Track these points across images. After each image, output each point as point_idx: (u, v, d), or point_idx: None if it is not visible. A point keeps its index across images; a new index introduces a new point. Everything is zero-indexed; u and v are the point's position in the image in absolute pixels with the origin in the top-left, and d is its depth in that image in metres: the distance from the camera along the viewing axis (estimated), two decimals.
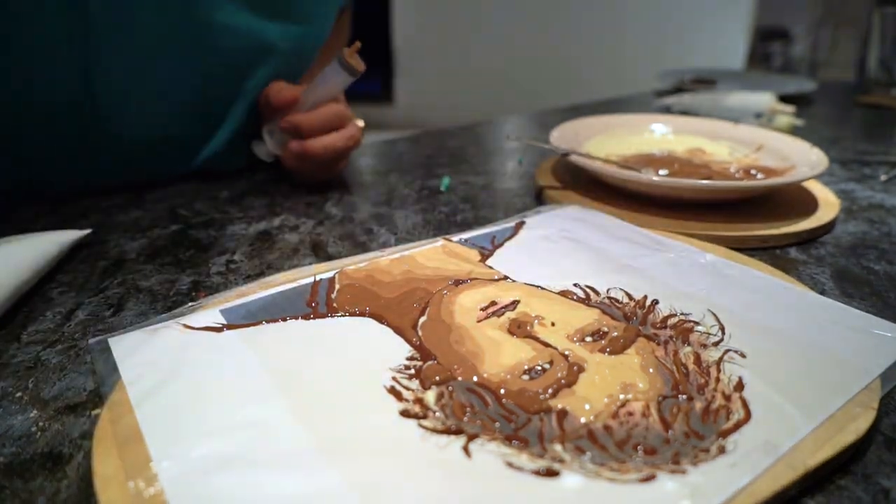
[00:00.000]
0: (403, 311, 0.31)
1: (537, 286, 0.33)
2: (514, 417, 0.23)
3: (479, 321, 0.29)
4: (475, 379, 0.25)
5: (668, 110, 0.83)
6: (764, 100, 0.80)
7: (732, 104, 0.80)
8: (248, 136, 0.55)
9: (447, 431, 0.22)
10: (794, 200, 0.47)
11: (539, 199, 0.50)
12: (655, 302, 0.31)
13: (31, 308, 0.34)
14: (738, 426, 0.22)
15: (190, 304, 0.32)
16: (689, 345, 0.28)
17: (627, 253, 0.37)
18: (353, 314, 0.30)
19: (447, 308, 0.31)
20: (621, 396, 0.24)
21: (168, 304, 0.34)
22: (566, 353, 0.27)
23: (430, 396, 0.24)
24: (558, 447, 0.21)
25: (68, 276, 0.38)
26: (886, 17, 0.99)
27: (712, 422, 0.23)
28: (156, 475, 0.20)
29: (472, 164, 0.61)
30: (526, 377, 0.25)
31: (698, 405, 0.24)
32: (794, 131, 0.74)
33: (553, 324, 0.29)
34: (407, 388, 0.25)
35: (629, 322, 0.29)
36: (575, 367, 0.26)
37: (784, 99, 0.87)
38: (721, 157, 0.55)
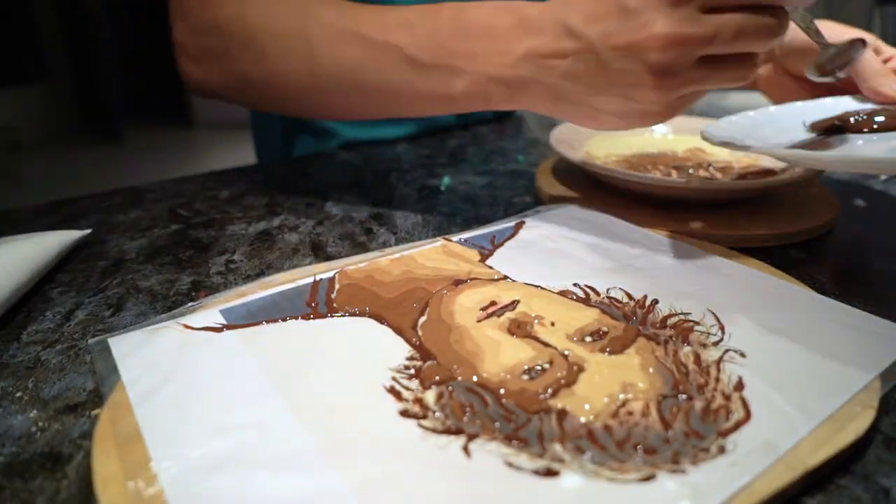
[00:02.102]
0: (403, 311, 0.31)
1: (537, 286, 0.33)
2: (514, 417, 0.23)
3: (478, 321, 0.29)
4: (475, 379, 0.25)
5: None
6: (760, 100, 0.80)
7: (730, 104, 0.80)
8: None
9: (447, 431, 0.22)
10: (794, 200, 0.47)
11: (539, 199, 0.50)
12: (655, 302, 0.31)
13: (30, 308, 0.34)
14: (737, 426, 0.22)
15: (190, 304, 0.32)
16: (688, 344, 0.28)
17: (627, 253, 0.37)
18: (352, 314, 0.30)
19: (447, 308, 0.31)
20: (621, 396, 0.24)
21: (168, 304, 0.34)
22: (566, 352, 0.27)
23: (430, 396, 0.24)
24: (558, 447, 0.21)
25: (68, 276, 0.38)
26: (886, 16, 0.99)
27: (712, 421, 0.23)
28: (155, 475, 0.20)
29: (472, 164, 0.61)
30: (526, 377, 0.25)
31: (698, 405, 0.24)
32: None
33: (553, 324, 0.29)
34: (406, 388, 0.25)
35: (629, 322, 0.29)
36: (575, 367, 0.26)
37: None
38: (721, 157, 0.55)
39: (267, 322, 0.29)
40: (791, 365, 0.26)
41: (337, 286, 0.33)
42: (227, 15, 0.44)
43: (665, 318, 0.30)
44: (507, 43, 0.35)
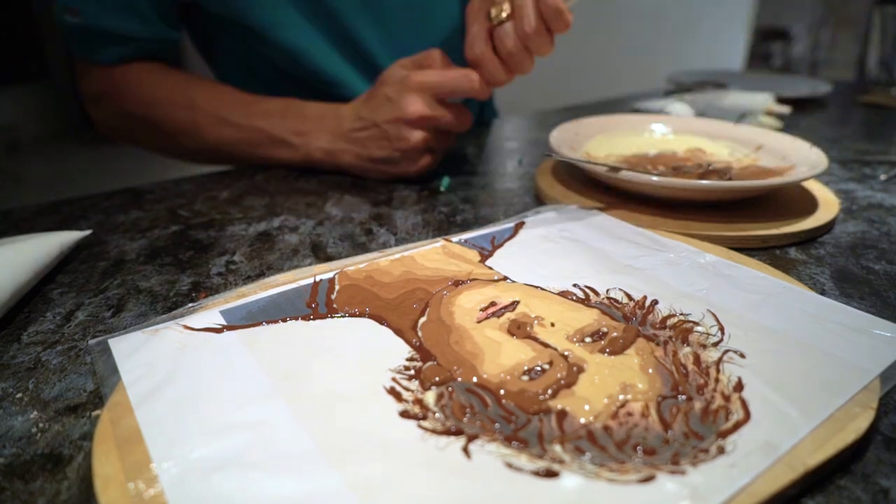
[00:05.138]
0: (403, 311, 0.31)
1: (537, 286, 0.33)
2: (514, 418, 0.23)
3: (478, 322, 0.29)
4: (475, 380, 0.25)
5: (637, 111, 0.82)
6: (759, 100, 0.80)
7: (729, 104, 0.80)
8: None
9: (447, 432, 0.22)
10: (794, 200, 0.47)
11: (539, 199, 0.50)
12: (655, 302, 0.31)
13: (31, 309, 0.34)
14: (737, 426, 0.22)
15: (190, 304, 0.32)
16: (688, 345, 0.28)
17: (627, 253, 0.37)
18: (352, 315, 0.30)
19: (447, 309, 0.31)
20: (621, 397, 0.24)
21: (168, 304, 0.34)
22: (566, 353, 0.27)
23: (430, 397, 0.24)
24: (558, 448, 0.21)
25: (68, 276, 0.38)
26: (886, 16, 0.99)
27: (712, 422, 0.23)
28: (156, 476, 0.20)
29: (472, 164, 0.61)
30: (525, 378, 0.25)
31: (698, 405, 0.24)
32: None
33: (553, 324, 0.29)
34: (406, 389, 0.25)
35: (629, 322, 0.29)
36: (574, 368, 0.26)
37: (785, 100, 0.87)
38: (721, 157, 0.55)
39: (267, 323, 0.30)
40: (791, 365, 0.26)
41: (337, 287, 0.33)
42: (137, 112, 0.60)
43: (665, 319, 0.30)
44: (325, 125, 0.55)
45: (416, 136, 0.51)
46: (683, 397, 0.24)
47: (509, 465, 0.21)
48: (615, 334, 0.28)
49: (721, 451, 0.21)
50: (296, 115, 0.56)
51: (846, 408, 0.23)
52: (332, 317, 0.30)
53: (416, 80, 0.50)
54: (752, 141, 0.56)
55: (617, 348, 0.27)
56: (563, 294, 0.32)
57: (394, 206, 0.49)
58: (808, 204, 0.47)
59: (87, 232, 0.41)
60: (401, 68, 0.51)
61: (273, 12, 0.59)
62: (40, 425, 0.25)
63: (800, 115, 0.84)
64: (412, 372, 0.26)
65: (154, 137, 0.63)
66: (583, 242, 0.39)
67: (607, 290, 0.33)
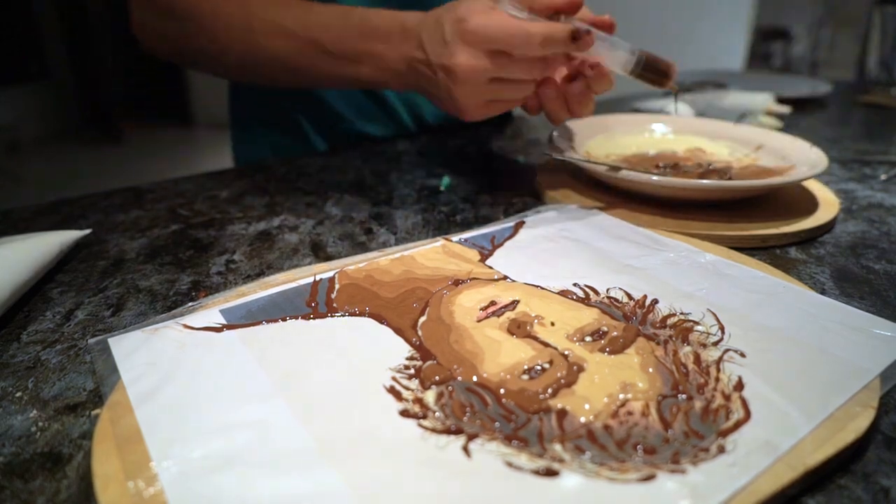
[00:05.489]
0: (403, 311, 0.31)
1: (537, 286, 0.33)
2: (514, 417, 0.23)
3: (478, 321, 0.29)
4: (475, 379, 0.25)
5: (637, 110, 0.82)
6: (759, 100, 0.80)
7: (729, 104, 0.80)
8: None
9: (447, 431, 0.22)
10: (794, 200, 0.47)
11: (539, 198, 0.50)
12: (655, 302, 0.31)
13: (30, 308, 0.34)
14: (737, 426, 0.22)
15: (190, 303, 0.32)
16: (688, 344, 0.28)
17: (627, 253, 0.37)
18: (352, 314, 0.30)
19: (447, 308, 0.31)
20: (621, 396, 0.24)
21: (168, 304, 0.34)
22: (566, 352, 0.27)
23: (430, 396, 0.24)
24: (558, 447, 0.21)
25: (68, 276, 0.38)
26: (886, 16, 0.99)
27: (712, 421, 0.23)
28: (156, 475, 0.20)
29: (472, 164, 0.61)
30: (525, 377, 0.25)
31: (698, 405, 0.24)
32: None
33: (553, 323, 0.29)
34: (406, 388, 0.25)
35: (629, 322, 0.29)
36: (575, 367, 0.26)
37: (785, 100, 0.87)
38: (721, 157, 0.55)
39: (267, 322, 0.29)
40: (791, 365, 0.26)
41: (337, 286, 0.33)
42: (183, 6, 0.55)
43: (665, 318, 0.30)
44: (393, 45, 0.49)
45: (462, 91, 0.45)
46: (684, 396, 0.24)
47: (509, 464, 0.21)
48: (615, 333, 0.28)
49: (721, 450, 0.21)
50: (359, 29, 0.50)
51: (846, 407, 0.23)
52: (332, 316, 0.30)
53: (471, 28, 0.43)
54: (752, 141, 0.56)
55: (617, 347, 0.27)
56: (563, 293, 0.32)
57: (394, 206, 0.49)
58: (809, 204, 0.47)
59: (87, 231, 0.41)
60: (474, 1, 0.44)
61: None
62: (40, 424, 0.25)
63: (800, 115, 0.84)
64: (412, 371, 0.26)
65: (201, 44, 0.56)
66: (583, 242, 0.39)
67: (607, 290, 0.33)
